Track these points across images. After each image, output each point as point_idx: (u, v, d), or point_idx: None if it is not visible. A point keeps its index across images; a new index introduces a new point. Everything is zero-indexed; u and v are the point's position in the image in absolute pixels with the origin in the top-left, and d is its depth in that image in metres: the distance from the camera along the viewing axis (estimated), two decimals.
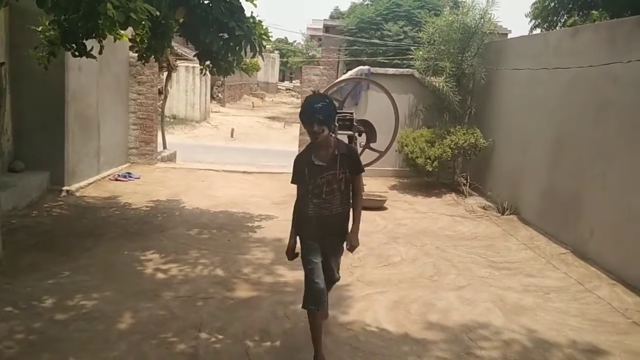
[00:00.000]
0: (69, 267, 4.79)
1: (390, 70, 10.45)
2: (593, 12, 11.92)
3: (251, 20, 6.07)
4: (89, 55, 5.55)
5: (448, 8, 20.03)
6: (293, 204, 3.56)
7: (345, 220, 3.47)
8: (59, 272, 4.66)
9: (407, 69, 10.72)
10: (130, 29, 5.18)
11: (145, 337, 3.64)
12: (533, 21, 15.60)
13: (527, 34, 14.17)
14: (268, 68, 39.59)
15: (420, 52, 10.20)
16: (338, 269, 3.66)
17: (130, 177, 8.81)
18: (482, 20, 8.84)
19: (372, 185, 8.90)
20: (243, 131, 20.30)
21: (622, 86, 5.52)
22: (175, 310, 4.07)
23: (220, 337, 3.71)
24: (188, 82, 21.26)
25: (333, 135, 3.48)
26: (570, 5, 14.41)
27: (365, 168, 9.09)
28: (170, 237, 5.89)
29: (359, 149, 8.87)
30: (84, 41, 5.43)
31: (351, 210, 3.50)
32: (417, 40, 14.58)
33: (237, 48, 6.11)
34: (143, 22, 4.65)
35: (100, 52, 5.68)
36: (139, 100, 9.94)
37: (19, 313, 3.84)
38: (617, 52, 5.62)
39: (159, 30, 6.04)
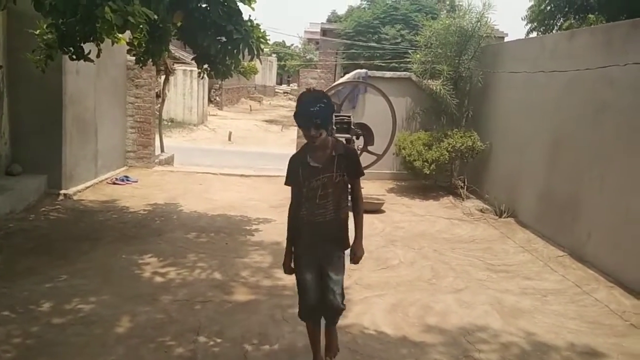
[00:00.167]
0: (67, 270, 4.78)
1: (388, 74, 10.48)
2: (590, 15, 11.98)
3: (249, 23, 6.07)
4: (86, 58, 5.55)
5: (445, 11, 20.13)
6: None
7: (341, 228, 3.18)
8: (56, 275, 4.65)
9: (405, 72, 10.75)
10: (127, 32, 5.19)
11: (143, 341, 3.63)
12: (529, 25, 15.67)
13: (523, 37, 14.23)
14: (266, 71, 39.64)
15: (418, 56, 10.22)
16: (340, 290, 3.23)
17: (127, 180, 8.80)
18: (479, 23, 8.87)
19: (369, 188, 8.90)
20: (241, 134, 20.29)
21: (619, 89, 5.55)
22: (173, 314, 4.07)
23: (219, 340, 3.70)
24: (186, 85, 21.25)
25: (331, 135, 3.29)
26: (567, 9, 14.49)
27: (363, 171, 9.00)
28: (168, 241, 5.88)
29: (357, 152, 8.87)
30: (82, 44, 5.44)
31: (351, 216, 3.23)
32: (414, 43, 14.62)
33: (235, 51, 6.11)
34: (141, 26, 4.64)
35: (97, 56, 5.69)
36: (136, 104, 9.94)
37: (16, 317, 3.82)
38: (613, 55, 5.65)
39: (157, 33, 6.05)
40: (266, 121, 25.68)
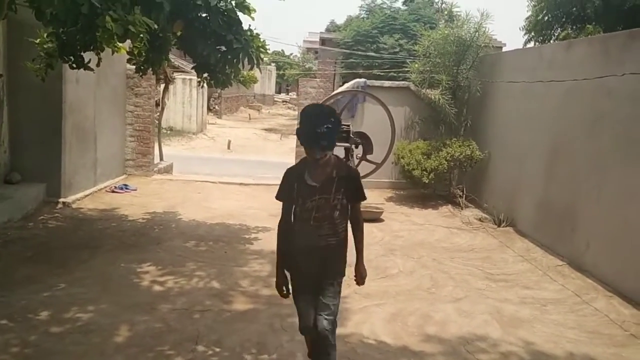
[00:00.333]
0: (65, 279, 4.77)
1: (387, 83, 10.52)
2: (588, 26, 12.07)
3: (249, 33, 6.12)
4: (86, 67, 5.58)
5: (443, 21, 20.26)
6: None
7: (336, 255, 2.97)
8: (55, 284, 4.64)
9: (403, 82, 10.79)
10: (128, 41, 5.22)
11: (142, 350, 3.62)
12: (527, 35, 15.78)
13: (521, 47, 14.32)
14: (265, 80, 39.78)
15: (416, 65, 10.28)
16: (332, 317, 2.96)
17: (126, 188, 8.80)
18: (477, 33, 8.94)
19: (368, 196, 8.84)
20: (240, 143, 20.31)
21: (617, 99, 5.58)
22: (172, 323, 4.05)
23: (218, 350, 3.69)
24: (185, 94, 21.30)
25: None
26: (564, 19, 14.61)
27: (362, 180, 9.00)
28: (166, 249, 5.87)
29: (356, 161, 8.90)
30: (82, 53, 5.46)
31: (349, 239, 3.03)
32: (413, 53, 14.70)
33: (234, 61, 6.15)
34: (141, 35, 4.67)
35: (97, 65, 5.72)
36: (136, 112, 9.96)
37: (14, 326, 3.81)
38: (610, 65, 5.69)
39: (157, 42, 6.08)
40: (265, 130, 25.73)
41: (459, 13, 17.26)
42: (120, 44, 5.59)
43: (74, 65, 5.55)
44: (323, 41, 29.13)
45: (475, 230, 7.57)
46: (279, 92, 52.02)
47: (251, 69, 6.56)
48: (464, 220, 8.04)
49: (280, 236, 3.03)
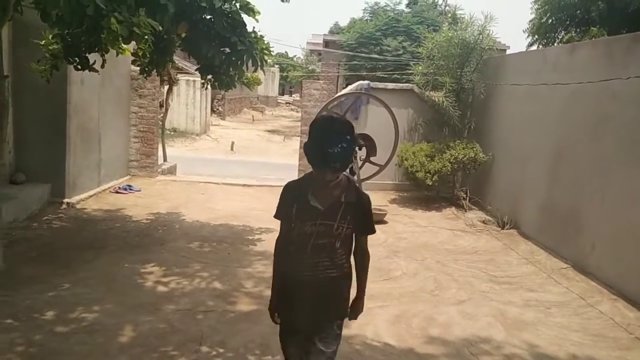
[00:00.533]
0: (69, 279, 4.78)
1: (390, 85, 10.53)
2: (592, 28, 12.05)
3: (253, 35, 6.14)
4: (91, 68, 5.61)
5: (447, 24, 20.24)
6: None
7: (336, 291, 2.56)
8: (59, 284, 4.65)
9: (407, 84, 10.80)
10: (132, 43, 5.24)
11: (146, 350, 3.62)
12: (530, 37, 15.75)
13: (525, 50, 14.30)
14: (268, 82, 39.83)
15: (420, 67, 10.29)
16: None
17: (130, 189, 8.82)
18: (481, 36, 8.94)
19: (372, 199, 8.89)
20: (243, 144, 20.34)
21: (621, 102, 5.57)
22: (176, 324, 4.06)
23: (221, 350, 3.69)
24: (189, 95, 21.35)
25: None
26: (568, 22, 14.58)
27: (366, 182, 8.99)
28: (170, 250, 5.88)
29: (359, 163, 8.90)
30: (87, 55, 5.49)
31: (351, 273, 2.63)
32: (416, 55, 14.69)
33: (238, 62, 6.17)
34: (146, 37, 4.69)
35: (102, 66, 5.73)
36: (140, 114, 9.99)
37: (19, 325, 3.82)
38: (615, 68, 5.68)
39: (162, 44, 6.10)
40: (268, 131, 25.75)
41: (462, 16, 17.26)
42: (124, 46, 5.60)
43: (79, 67, 5.58)
44: (326, 43, 29.14)
45: (479, 233, 7.56)
46: (282, 93, 52.07)
47: (255, 70, 6.59)
48: (467, 223, 8.03)
49: (277, 257, 2.65)
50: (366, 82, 10.20)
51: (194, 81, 20.01)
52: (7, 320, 3.88)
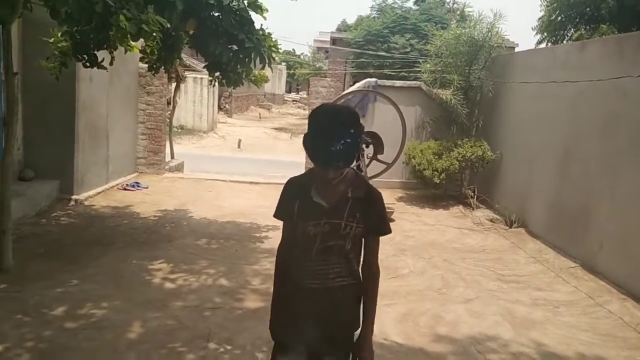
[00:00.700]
0: (78, 275, 4.81)
1: (398, 83, 10.50)
2: (602, 26, 11.96)
3: (260, 32, 6.14)
4: (99, 66, 5.63)
5: (455, 21, 20.16)
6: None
7: (349, 302, 2.21)
8: (68, 280, 4.68)
9: (415, 82, 10.76)
10: (140, 40, 5.25)
11: (154, 346, 3.64)
12: (539, 35, 15.66)
13: (533, 47, 14.21)
14: (275, 80, 39.85)
15: (428, 65, 10.25)
16: None
17: (138, 186, 8.85)
18: (490, 33, 8.88)
19: None
20: (250, 142, 20.37)
21: (632, 100, 5.52)
22: (184, 320, 4.07)
23: (229, 347, 3.70)
24: (196, 93, 21.41)
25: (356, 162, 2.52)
26: (577, 20, 14.48)
27: (373, 180, 8.98)
28: (178, 247, 5.90)
29: (367, 160, 8.88)
30: (95, 52, 5.51)
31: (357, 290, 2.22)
32: (424, 53, 14.64)
33: (246, 60, 6.17)
34: (154, 34, 4.71)
35: (111, 63, 5.76)
36: (147, 111, 10.02)
37: (29, 321, 3.85)
38: (625, 66, 5.63)
39: (170, 41, 6.11)
40: (275, 129, 25.78)
41: (471, 13, 17.16)
42: (133, 43, 5.64)
43: (88, 64, 5.60)
44: (334, 41, 29.12)
45: (487, 231, 7.53)
46: (289, 91, 52.09)
47: (263, 68, 6.58)
48: (475, 221, 8.00)
49: (279, 264, 2.32)
50: (373, 79, 10.17)
51: (201, 78, 20.07)
52: (17, 315, 3.91)
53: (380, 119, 9.67)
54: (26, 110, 7.02)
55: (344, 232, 2.13)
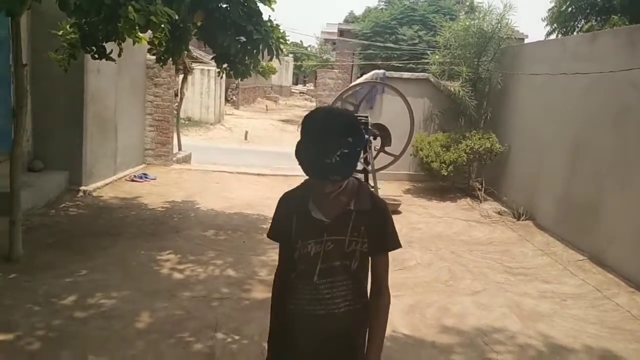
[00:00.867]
0: (87, 265, 4.85)
1: (406, 75, 10.45)
2: (613, 16, 11.82)
3: (269, 24, 6.12)
4: (108, 57, 5.64)
5: (464, 13, 20.00)
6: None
7: (358, 330, 1.98)
8: (77, 270, 4.72)
9: (423, 73, 10.71)
10: (148, 31, 5.25)
11: (163, 336, 3.67)
12: (549, 26, 15.50)
13: (543, 39, 14.08)
14: (282, 71, 39.76)
15: (436, 57, 10.19)
16: None
17: (146, 178, 8.90)
18: (499, 25, 8.81)
19: (386, 189, 8.88)
20: (257, 134, 20.37)
21: None
22: (192, 310, 4.10)
23: (237, 337, 3.73)
24: (203, 84, 21.42)
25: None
26: (588, 11, 14.31)
27: (380, 172, 8.94)
28: (186, 238, 5.93)
29: (374, 153, 8.87)
30: (104, 44, 5.52)
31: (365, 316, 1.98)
32: (432, 44, 14.54)
33: (254, 51, 6.16)
34: (162, 25, 4.70)
35: (119, 55, 5.77)
36: (155, 102, 10.05)
37: (39, 310, 3.89)
38: (637, 57, 5.57)
39: (177, 33, 6.10)
40: (282, 121, 25.76)
41: (480, 4, 17.00)
42: (141, 34, 5.63)
43: (96, 56, 5.61)
44: (341, 32, 29.00)
45: (494, 224, 7.51)
46: (296, 83, 51.98)
47: (271, 59, 6.56)
48: (482, 214, 7.98)
49: (276, 291, 2.10)
50: (382, 71, 10.13)
51: (209, 70, 20.06)
52: (27, 304, 3.95)
53: (388, 110, 9.64)
54: (35, 102, 7.05)
55: (349, 250, 1.90)
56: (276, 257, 5.27)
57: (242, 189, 8.83)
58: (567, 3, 14.55)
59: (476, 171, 9.16)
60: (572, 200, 6.61)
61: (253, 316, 4.09)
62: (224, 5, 5.84)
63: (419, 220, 7.52)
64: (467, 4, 24.25)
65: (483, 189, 8.78)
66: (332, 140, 1.77)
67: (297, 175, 9.33)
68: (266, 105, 32.47)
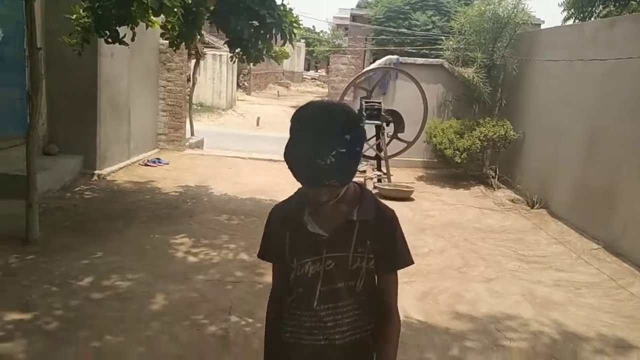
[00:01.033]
0: (102, 248, 4.90)
1: (420, 60, 10.35)
2: (632, 2, 11.58)
3: (282, 8, 6.07)
4: (121, 42, 5.63)
5: None
6: None
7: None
8: (93, 252, 4.77)
9: (437, 59, 10.60)
10: (161, 16, 5.23)
11: (177, 318, 3.71)
12: (566, 12, 15.23)
13: (560, 24, 13.84)
14: (294, 57, 39.51)
15: (450, 42, 10.07)
16: None
17: (159, 162, 8.94)
18: (515, 10, 8.67)
19: (399, 175, 8.86)
20: (269, 120, 20.34)
21: None
22: (206, 293, 4.14)
23: (250, 320, 3.76)
24: (215, 70, 21.37)
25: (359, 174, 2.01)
26: None
27: (393, 159, 8.92)
28: (199, 222, 5.97)
29: (387, 139, 8.84)
30: (117, 28, 5.51)
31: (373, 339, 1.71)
32: (446, 30, 14.37)
33: (267, 36, 6.13)
34: (175, 9, 4.69)
35: (132, 39, 5.75)
36: (168, 87, 10.06)
37: (57, 291, 3.95)
38: None
39: (190, 17, 6.07)
40: (294, 107, 25.52)
41: None
42: (154, 19, 5.62)
43: (109, 40, 5.60)
44: (354, 17, 28.74)
45: (508, 212, 7.46)
46: (307, 69, 51.72)
47: (284, 44, 6.52)
48: (496, 201, 7.93)
49: (269, 323, 1.82)
50: (395, 56, 10.05)
51: (220, 55, 20.00)
52: (45, 285, 4.01)
53: (402, 96, 9.57)
54: (49, 86, 7.09)
55: (354, 268, 1.62)
56: None
57: (255, 174, 8.84)
58: None
59: (490, 158, 9.09)
60: (587, 188, 6.54)
61: (266, 300, 4.10)
62: None
63: (432, 208, 7.49)
64: None
65: (497, 176, 8.72)
66: (326, 137, 1.49)
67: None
68: (278, 91, 32.37)
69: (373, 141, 8.72)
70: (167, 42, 6.88)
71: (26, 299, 3.76)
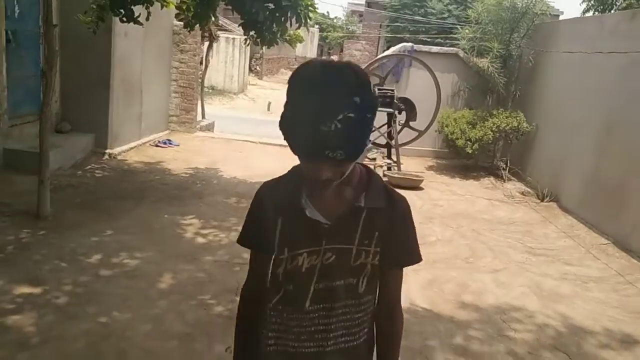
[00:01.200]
0: (112, 226, 4.94)
1: (434, 48, 10.24)
2: None
3: None
4: (136, 21, 5.62)
5: None
6: None
7: None
8: (102, 230, 4.82)
9: (452, 48, 10.48)
10: None
11: (184, 297, 3.75)
12: (585, 3, 14.97)
13: (579, 16, 13.61)
14: (307, 42, 39.27)
15: (466, 31, 9.95)
16: None
17: (170, 143, 8.97)
18: (534, 0, 8.53)
19: (409, 164, 8.82)
20: (280, 105, 20.13)
21: None
22: (213, 274, 4.17)
23: None
24: (228, 53, 21.31)
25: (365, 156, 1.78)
26: None
27: (404, 147, 8.86)
28: (208, 204, 5.99)
29: (398, 127, 8.79)
30: (132, 7, 5.50)
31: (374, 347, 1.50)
32: (462, 19, 14.19)
33: (282, 18, 6.08)
34: None
35: (147, 19, 5.75)
36: (180, 69, 10.05)
37: (66, 267, 4.00)
38: None
39: None
40: None
41: None
42: None
43: (124, 19, 5.60)
44: (369, 4, 28.44)
45: (517, 204, 7.41)
46: (320, 54, 51.40)
47: (299, 27, 6.48)
48: (506, 193, 7.88)
49: (242, 322, 1.56)
50: (410, 44, 9.96)
51: (233, 39, 19.93)
52: (55, 260, 4.06)
53: (415, 84, 9.50)
54: (63, 64, 7.11)
55: (357, 264, 1.37)
56: None
57: (265, 158, 8.84)
58: None
59: (501, 150, 9.02)
60: (599, 183, 6.47)
61: None
62: None
63: (441, 197, 7.47)
64: None
65: (507, 168, 8.65)
66: (332, 98, 1.19)
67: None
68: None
69: (384, 129, 8.68)
70: (181, 23, 6.85)
71: (36, 273, 3.81)
